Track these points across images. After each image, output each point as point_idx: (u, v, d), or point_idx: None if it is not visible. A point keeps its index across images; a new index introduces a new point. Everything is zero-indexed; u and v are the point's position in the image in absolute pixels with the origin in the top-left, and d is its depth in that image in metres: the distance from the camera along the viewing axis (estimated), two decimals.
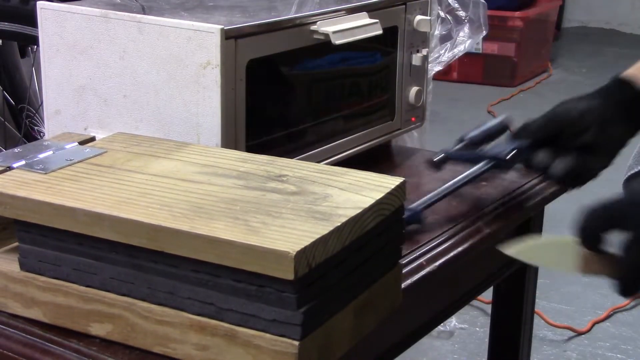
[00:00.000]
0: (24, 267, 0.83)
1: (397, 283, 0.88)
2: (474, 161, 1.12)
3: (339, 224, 0.75)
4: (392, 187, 0.83)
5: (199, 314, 0.75)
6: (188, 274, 0.75)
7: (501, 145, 1.10)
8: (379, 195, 0.81)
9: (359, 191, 0.82)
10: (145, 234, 0.75)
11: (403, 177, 0.84)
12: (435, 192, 1.08)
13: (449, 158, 1.14)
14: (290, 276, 0.70)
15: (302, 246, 0.70)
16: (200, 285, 0.75)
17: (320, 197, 0.80)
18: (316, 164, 0.92)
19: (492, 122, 1.15)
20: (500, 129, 1.15)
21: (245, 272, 0.72)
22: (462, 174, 1.11)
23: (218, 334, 0.75)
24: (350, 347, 0.80)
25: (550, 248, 0.94)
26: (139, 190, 0.82)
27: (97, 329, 0.81)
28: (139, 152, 0.92)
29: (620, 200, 0.88)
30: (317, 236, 0.72)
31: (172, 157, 0.91)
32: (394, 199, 0.84)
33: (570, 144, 1.05)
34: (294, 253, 0.69)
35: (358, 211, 0.78)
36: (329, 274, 0.76)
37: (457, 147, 1.14)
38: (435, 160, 1.13)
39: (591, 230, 0.87)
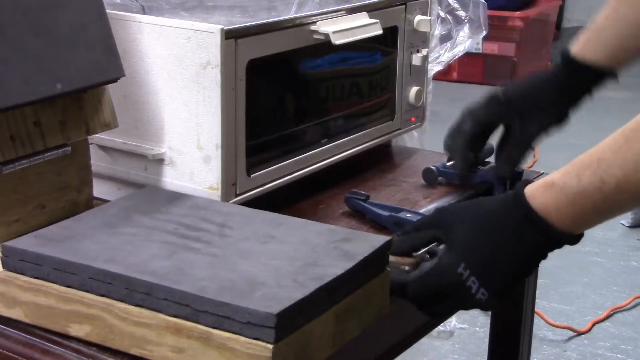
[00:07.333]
0: (6, 266, 0.83)
1: (384, 290, 0.87)
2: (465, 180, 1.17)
3: None
4: None
5: (174, 316, 0.76)
6: None
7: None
8: None
9: None
10: None
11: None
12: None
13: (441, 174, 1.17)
14: None
15: None
16: None
17: None
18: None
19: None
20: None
21: None
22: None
23: (193, 336, 0.75)
24: (331, 353, 0.79)
25: None
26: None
27: (76, 330, 0.81)
28: None
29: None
30: None
31: None
32: None
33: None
34: None
35: None
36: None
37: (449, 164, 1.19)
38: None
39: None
